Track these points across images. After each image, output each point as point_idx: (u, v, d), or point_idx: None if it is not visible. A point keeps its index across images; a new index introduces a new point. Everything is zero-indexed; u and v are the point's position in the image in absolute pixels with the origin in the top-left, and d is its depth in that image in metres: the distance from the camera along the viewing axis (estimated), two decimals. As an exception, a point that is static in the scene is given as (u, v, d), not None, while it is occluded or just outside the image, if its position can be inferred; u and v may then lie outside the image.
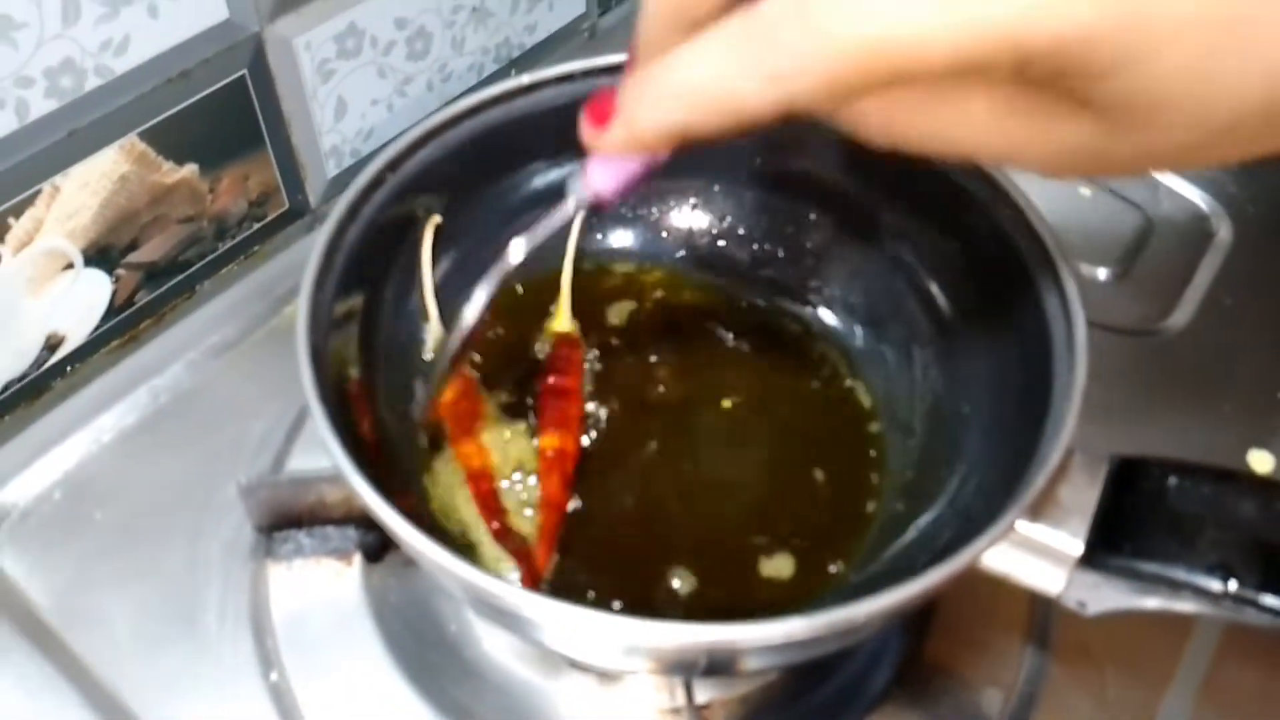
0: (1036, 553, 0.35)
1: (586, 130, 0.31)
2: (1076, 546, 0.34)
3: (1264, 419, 0.53)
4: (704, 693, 0.41)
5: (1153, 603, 0.34)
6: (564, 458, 0.43)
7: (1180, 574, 0.33)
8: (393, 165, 0.40)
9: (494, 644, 0.43)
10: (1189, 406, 0.53)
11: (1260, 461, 0.51)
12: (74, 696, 0.41)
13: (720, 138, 0.26)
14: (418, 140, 0.40)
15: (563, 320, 0.48)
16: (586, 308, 0.49)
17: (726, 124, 0.26)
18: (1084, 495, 0.34)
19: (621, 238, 0.51)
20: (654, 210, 0.51)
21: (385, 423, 0.39)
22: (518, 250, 0.35)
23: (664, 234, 0.51)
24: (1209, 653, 0.44)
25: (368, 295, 0.40)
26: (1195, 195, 0.65)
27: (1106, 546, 0.34)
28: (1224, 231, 0.63)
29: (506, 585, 0.29)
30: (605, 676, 0.42)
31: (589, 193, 0.34)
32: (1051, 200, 0.40)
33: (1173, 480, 0.34)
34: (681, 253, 0.51)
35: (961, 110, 0.25)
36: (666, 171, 0.48)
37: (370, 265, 0.40)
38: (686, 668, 0.34)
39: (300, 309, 0.34)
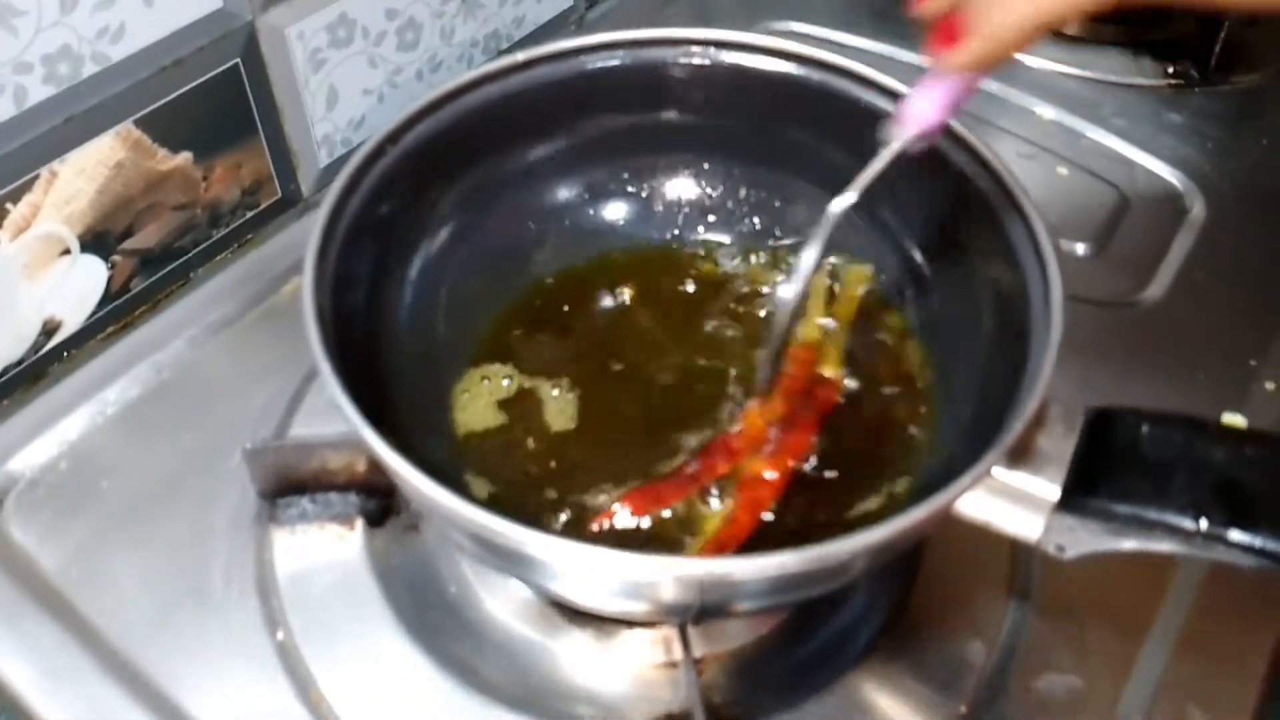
0: (1016, 500, 0.37)
1: (936, 53, 0.36)
2: (1054, 491, 0.36)
3: (1237, 385, 0.55)
4: (698, 647, 0.43)
5: (1128, 544, 0.36)
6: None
7: (1153, 514, 0.35)
8: (393, 138, 0.42)
9: (495, 604, 0.45)
10: (1165, 375, 0.55)
11: (1233, 423, 0.53)
12: (85, 659, 0.42)
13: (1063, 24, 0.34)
14: (417, 113, 0.43)
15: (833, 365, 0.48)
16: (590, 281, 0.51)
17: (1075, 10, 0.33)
18: (1061, 443, 0.36)
19: (615, 211, 0.53)
20: (646, 186, 0.53)
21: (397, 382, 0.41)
22: (840, 205, 0.40)
23: (655, 209, 0.53)
24: (1185, 605, 0.46)
25: (372, 261, 0.42)
26: (1169, 174, 0.67)
27: (1083, 491, 0.36)
28: (1198, 209, 0.65)
29: (515, 525, 0.31)
30: (603, 633, 0.44)
31: (914, 128, 0.38)
32: (1030, 179, 0.42)
33: (1146, 428, 0.37)
34: (672, 228, 0.53)
35: None
36: (660, 147, 0.51)
37: (372, 234, 0.42)
38: (682, 610, 0.36)
39: (306, 266, 0.36)
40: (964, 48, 0.35)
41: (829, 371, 0.47)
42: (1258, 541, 0.34)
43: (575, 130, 0.49)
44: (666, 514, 0.43)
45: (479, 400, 0.47)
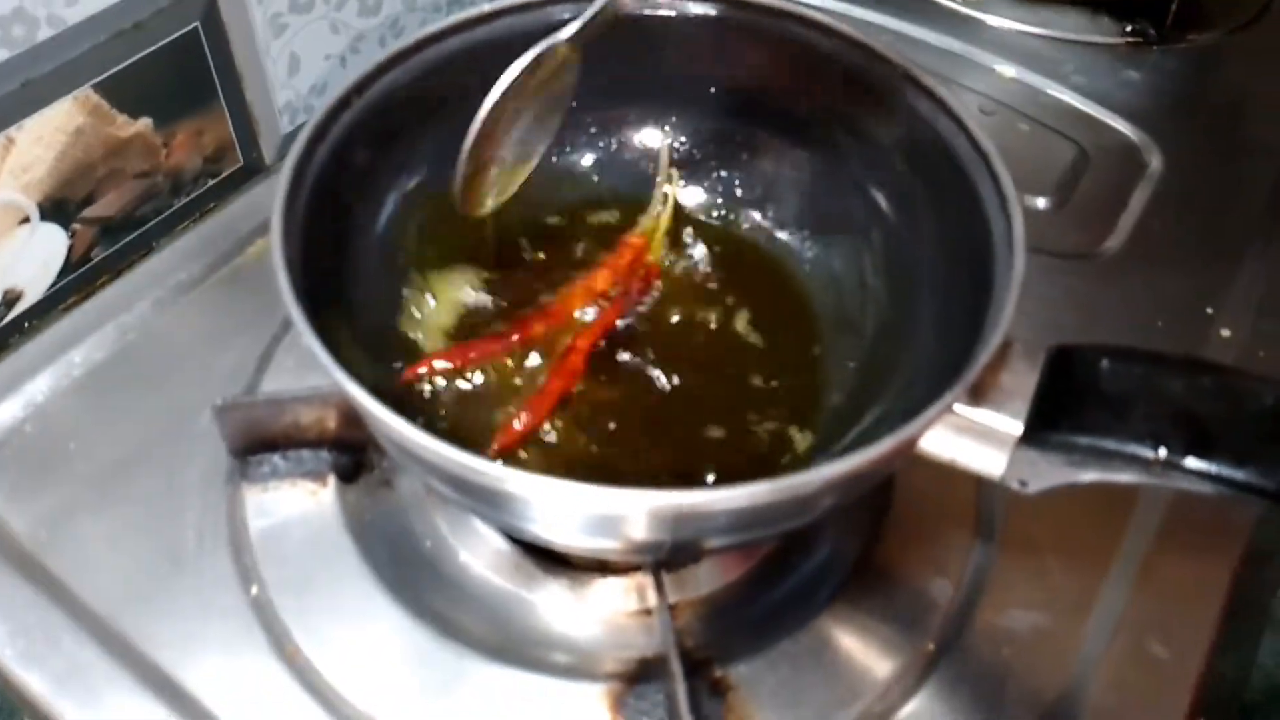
0: (980, 437, 0.38)
1: None
2: (1016, 426, 0.37)
3: (1194, 333, 0.57)
4: (671, 594, 0.44)
5: (1089, 475, 0.37)
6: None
7: (1113, 445, 0.36)
8: (359, 88, 0.42)
9: (470, 557, 0.45)
10: (1125, 323, 0.57)
11: (1191, 369, 0.55)
12: (59, 619, 0.42)
13: None
14: (384, 64, 0.43)
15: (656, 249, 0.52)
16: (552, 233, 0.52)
17: None
18: (1023, 380, 0.37)
19: (582, 162, 0.53)
20: (613, 139, 0.53)
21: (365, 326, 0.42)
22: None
23: (622, 160, 0.53)
24: (1145, 541, 0.47)
25: (340, 210, 0.42)
26: (1127, 129, 0.68)
27: (1045, 425, 0.37)
28: (1155, 162, 0.66)
29: (494, 464, 0.32)
30: (577, 582, 0.45)
31: None
32: (992, 136, 0.42)
33: (1105, 363, 0.38)
34: (639, 179, 0.53)
35: None
36: (627, 98, 0.51)
37: (339, 184, 0.42)
38: (655, 545, 0.37)
39: (274, 214, 0.37)
40: None
41: (651, 258, 0.51)
42: (1214, 468, 0.35)
43: None
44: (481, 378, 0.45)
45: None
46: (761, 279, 0.51)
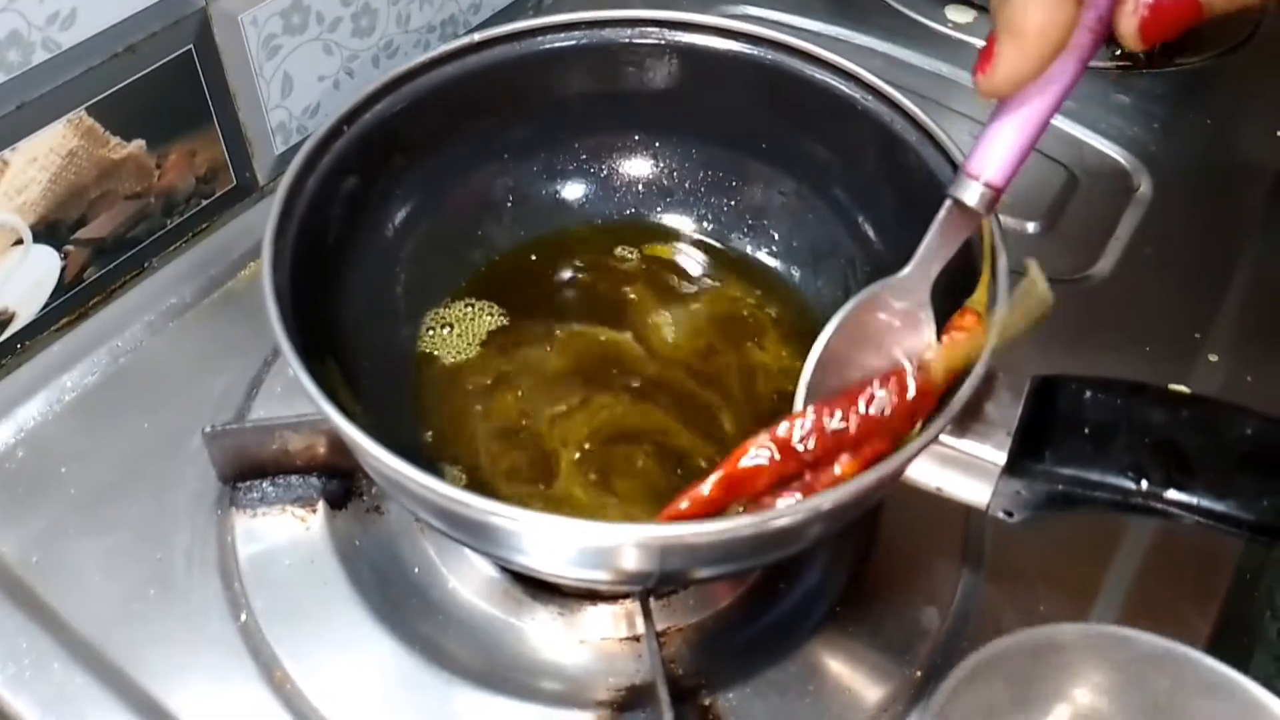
0: (965, 468, 0.38)
1: (977, 80, 0.33)
2: (1000, 457, 0.37)
3: (1182, 357, 0.57)
4: (659, 620, 0.44)
5: (1073, 506, 0.38)
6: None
7: (1095, 476, 0.37)
8: (350, 118, 0.43)
9: (459, 584, 0.45)
10: (1113, 348, 0.57)
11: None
12: (48, 644, 0.42)
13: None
14: (376, 93, 0.44)
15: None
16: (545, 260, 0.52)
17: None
18: (1007, 411, 0.38)
19: (572, 190, 0.54)
20: (603, 167, 0.54)
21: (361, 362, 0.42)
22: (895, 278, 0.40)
23: (613, 188, 0.54)
24: (1133, 567, 0.48)
25: (330, 239, 0.43)
26: (1117, 153, 0.69)
27: (1028, 456, 0.37)
28: (1144, 186, 0.67)
29: (480, 498, 0.32)
30: (566, 610, 0.45)
31: (982, 183, 0.36)
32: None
33: (1088, 394, 0.38)
34: (630, 207, 0.54)
35: None
36: (616, 126, 0.52)
37: (330, 213, 0.42)
38: (643, 576, 0.37)
39: (265, 244, 0.37)
40: (996, 55, 0.32)
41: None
42: (1194, 500, 0.35)
43: (532, 111, 0.50)
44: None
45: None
46: (749, 304, 0.52)
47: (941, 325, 0.40)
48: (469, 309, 0.50)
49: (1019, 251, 0.40)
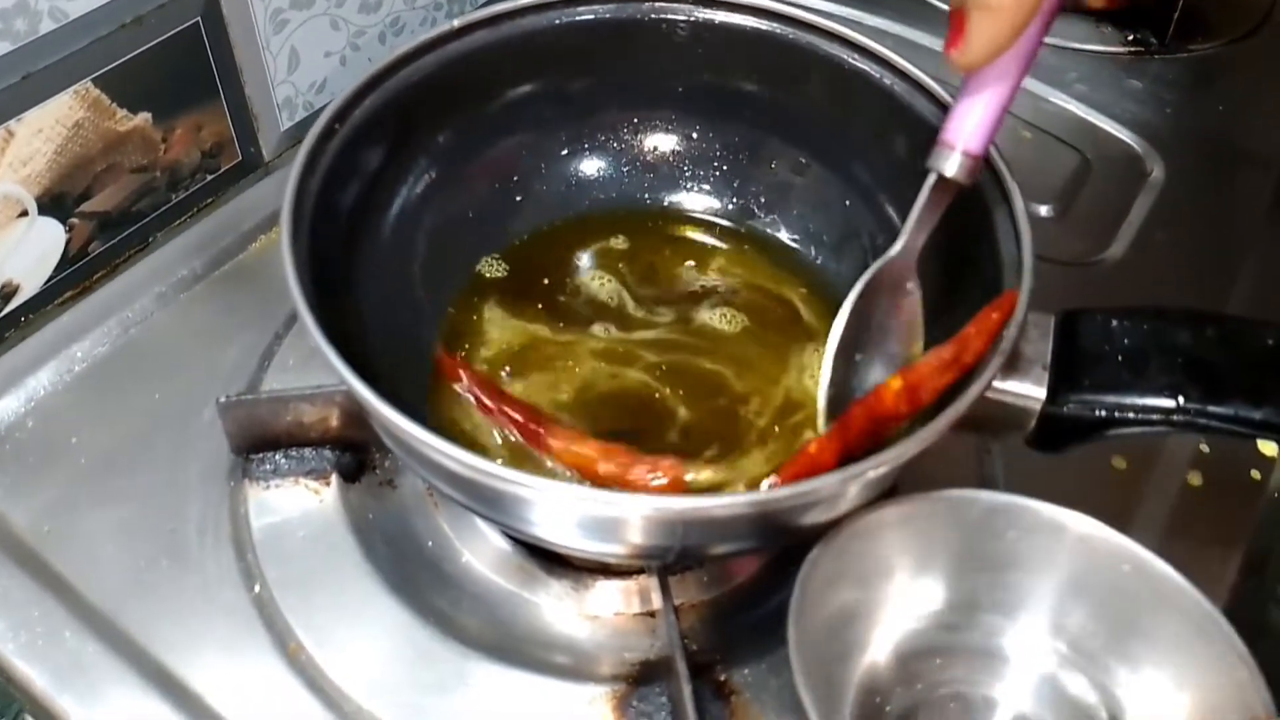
0: (1002, 408, 0.39)
1: (951, 55, 0.35)
2: (1040, 391, 0.39)
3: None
4: (675, 596, 0.45)
5: (1115, 430, 0.39)
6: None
7: (1134, 399, 0.39)
8: (372, 85, 0.44)
9: (472, 558, 0.46)
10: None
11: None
12: (60, 612, 0.43)
13: None
14: (405, 56, 0.45)
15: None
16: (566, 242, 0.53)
17: None
18: (1039, 346, 0.40)
19: (592, 167, 0.55)
20: (624, 144, 0.55)
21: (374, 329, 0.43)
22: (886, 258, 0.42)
23: (632, 166, 0.55)
24: (1156, 516, 0.50)
25: (350, 207, 0.43)
26: (1129, 138, 0.70)
27: (1068, 387, 0.39)
28: (1157, 172, 0.68)
29: (502, 468, 0.33)
30: (580, 584, 0.46)
31: (960, 153, 0.38)
32: (996, 142, 0.44)
33: (1114, 322, 0.40)
34: (650, 186, 0.55)
35: None
36: (638, 103, 0.52)
37: (350, 180, 0.43)
38: (663, 550, 0.38)
39: (284, 210, 0.38)
40: (969, 29, 0.34)
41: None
42: (1231, 411, 0.38)
43: (553, 85, 0.51)
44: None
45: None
46: (769, 283, 0.53)
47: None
48: (486, 281, 0.51)
49: (1034, 235, 0.41)
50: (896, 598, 0.40)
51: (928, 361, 0.41)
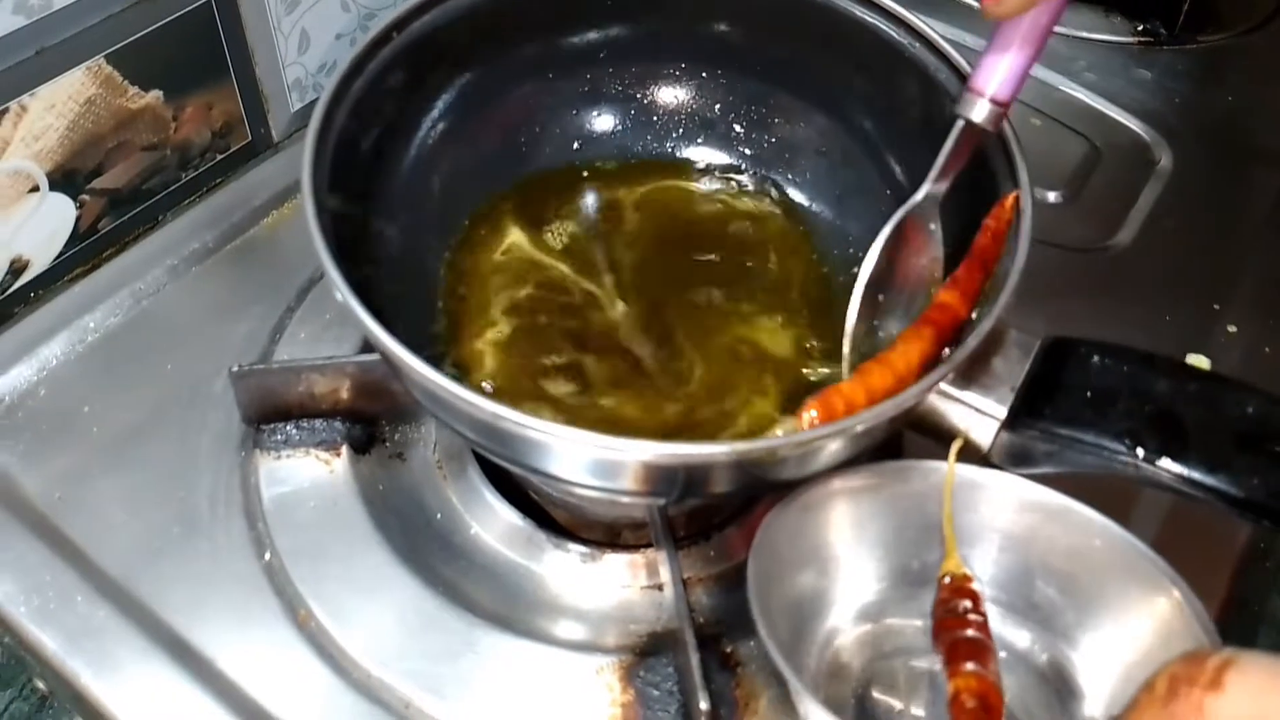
0: (966, 420, 0.40)
1: (986, 5, 0.36)
2: (1001, 411, 0.39)
3: (1201, 327, 0.59)
4: (683, 569, 0.46)
5: (1065, 465, 0.39)
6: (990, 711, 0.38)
7: (1091, 437, 0.38)
8: (399, 25, 0.45)
9: (481, 529, 0.47)
10: (1132, 317, 0.59)
11: (1197, 363, 0.57)
12: (73, 578, 0.44)
13: None
14: (419, 6, 0.46)
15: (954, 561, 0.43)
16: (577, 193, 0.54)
17: None
18: (1015, 367, 0.40)
19: (609, 118, 0.55)
20: (636, 96, 0.55)
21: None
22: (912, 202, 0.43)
23: (646, 118, 0.56)
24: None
25: (368, 154, 0.44)
26: (1138, 126, 0.71)
27: (1029, 413, 0.39)
28: (1165, 160, 0.69)
29: (517, 412, 0.34)
30: (588, 556, 0.47)
31: (989, 99, 0.39)
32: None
33: (1096, 358, 0.40)
34: (665, 138, 0.56)
35: None
36: (655, 57, 0.53)
37: (372, 118, 0.44)
38: (666, 489, 0.40)
39: (305, 157, 0.39)
40: None
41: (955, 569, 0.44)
42: (1185, 470, 0.37)
43: (571, 35, 0.52)
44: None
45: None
46: (776, 237, 0.54)
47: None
48: (499, 228, 0.52)
49: (1042, 221, 0.42)
50: (851, 566, 0.42)
51: (955, 274, 0.42)
